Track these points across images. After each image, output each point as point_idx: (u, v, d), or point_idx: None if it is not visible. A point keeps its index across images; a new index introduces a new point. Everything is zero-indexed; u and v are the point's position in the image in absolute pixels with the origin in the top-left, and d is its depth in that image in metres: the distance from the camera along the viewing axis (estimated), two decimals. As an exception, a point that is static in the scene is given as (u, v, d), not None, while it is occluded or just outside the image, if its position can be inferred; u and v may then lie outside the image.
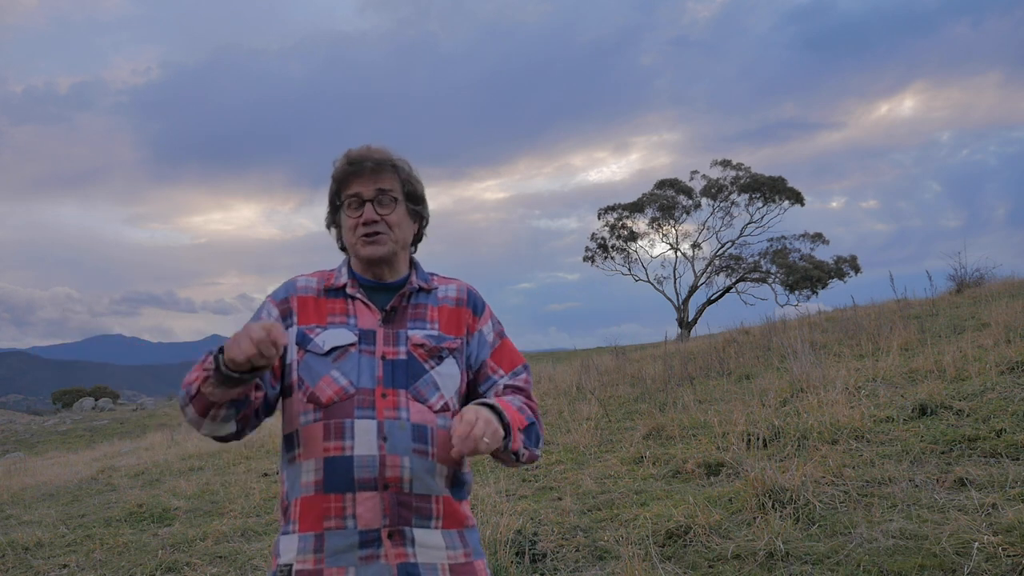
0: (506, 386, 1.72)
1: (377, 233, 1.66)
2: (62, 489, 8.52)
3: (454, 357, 1.67)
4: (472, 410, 1.50)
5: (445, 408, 1.63)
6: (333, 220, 1.77)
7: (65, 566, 4.90)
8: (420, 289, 1.73)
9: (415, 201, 1.75)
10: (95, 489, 8.23)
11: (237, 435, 1.62)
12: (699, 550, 3.61)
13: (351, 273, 1.74)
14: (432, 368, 1.64)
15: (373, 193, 1.67)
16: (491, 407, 1.54)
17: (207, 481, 7.49)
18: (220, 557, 4.71)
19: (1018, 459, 4.03)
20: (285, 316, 1.68)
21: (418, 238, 1.79)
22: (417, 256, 1.82)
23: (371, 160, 1.67)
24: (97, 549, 5.19)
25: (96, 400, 34.08)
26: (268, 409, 1.65)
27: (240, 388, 1.47)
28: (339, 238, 1.79)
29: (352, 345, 1.62)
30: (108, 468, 10.04)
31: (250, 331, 1.38)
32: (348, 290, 1.69)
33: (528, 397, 1.74)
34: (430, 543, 1.56)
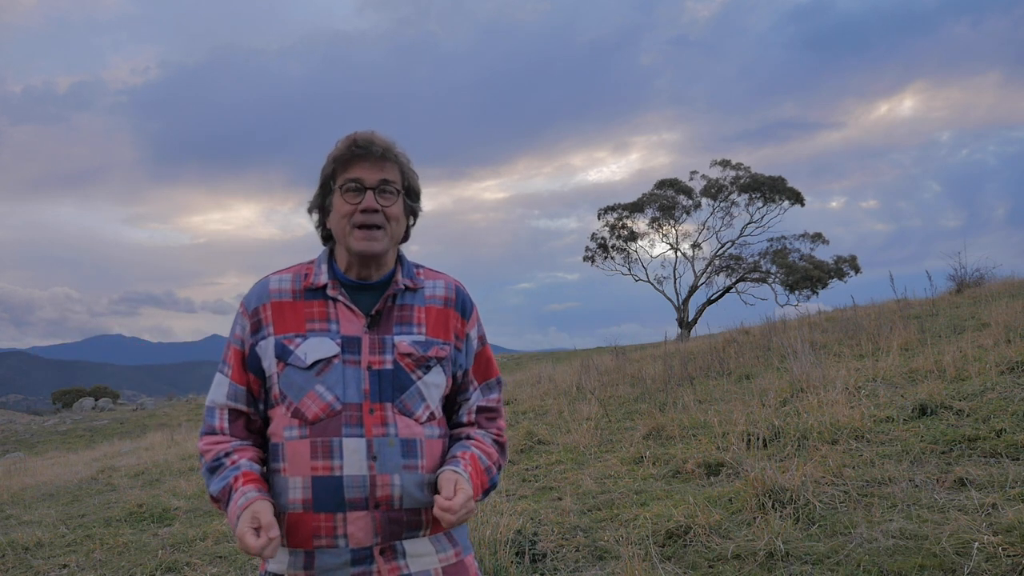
0: (479, 408, 1.71)
1: (375, 227, 1.57)
2: (62, 489, 8.52)
3: (441, 366, 1.62)
4: (463, 494, 1.48)
5: (431, 418, 1.60)
6: (321, 203, 1.66)
7: (65, 566, 4.90)
8: (406, 288, 1.64)
9: (414, 197, 1.68)
10: (95, 489, 8.24)
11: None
12: (699, 550, 3.61)
13: (332, 271, 1.64)
14: (419, 378, 1.58)
15: (376, 181, 1.58)
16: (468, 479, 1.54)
17: (207, 481, 7.49)
18: (220, 557, 4.71)
19: (1018, 459, 4.03)
20: (256, 329, 1.61)
21: (406, 236, 1.70)
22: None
23: (378, 146, 1.59)
24: (97, 549, 5.19)
25: (96, 400, 34.07)
26: (265, 424, 1.65)
27: None
28: (321, 223, 1.68)
29: (335, 356, 1.55)
30: (108, 468, 10.04)
31: (246, 542, 1.39)
32: (329, 292, 1.60)
33: (498, 419, 1.73)
34: (420, 552, 1.55)
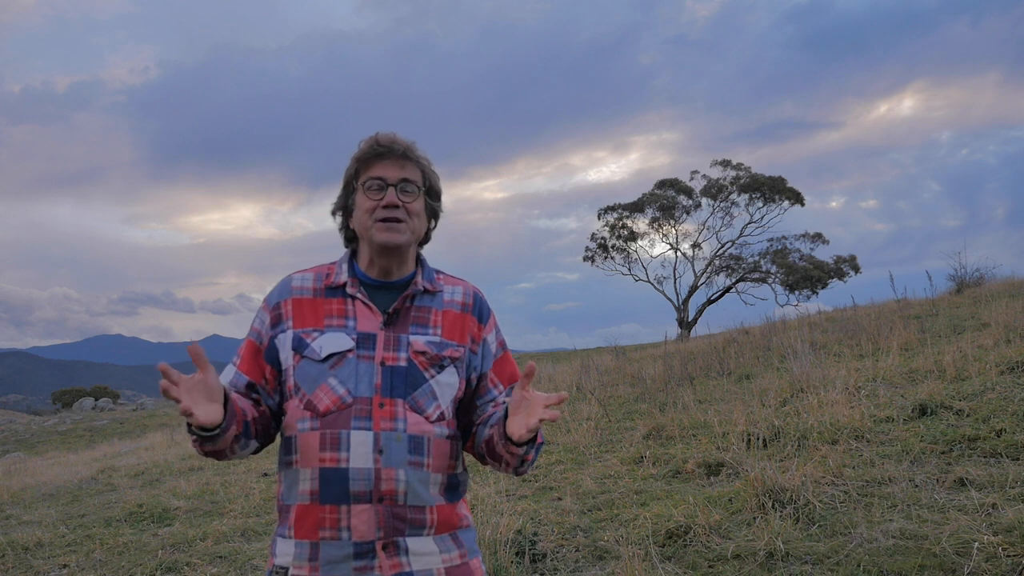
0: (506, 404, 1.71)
1: (397, 220, 1.61)
2: (62, 489, 8.52)
3: (455, 366, 1.63)
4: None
5: (441, 418, 1.61)
6: (344, 204, 1.70)
7: (65, 566, 4.90)
8: (425, 291, 1.67)
9: (434, 197, 1.70)
10: (95, 489, 8.23)
11: (263, 445, 1.66)
12: (699, 550, 3.62)
13: (352, 270, 1.68)
14: (432, 377, 1.60)
15: (398, 179, 1.62)
16: None
17: (207, 481, 7.49)
18: (220, 557, 4.71)
19: (1018, 459, 4.04)
20: (276, 323, 1.64)
21: (427, 237, 1.73)
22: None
23: (399, 146, 1.63)
24: (97, 549, 5.19)
25: (96, 400, 34.07)
26: (277, 418, 1.66)
27: (231, 430, 1.50)
28: (344, 226, 1.71)
29: (350, 351, 1.58)
30: (108, 468, 10.04)
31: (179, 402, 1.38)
32: (348, 290, 1.64)
33: None
34: (424, 550, 1.55)
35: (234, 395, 1.54)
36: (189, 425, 1.46)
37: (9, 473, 11.78)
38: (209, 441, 1.48)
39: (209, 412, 1.42)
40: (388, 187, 1.62)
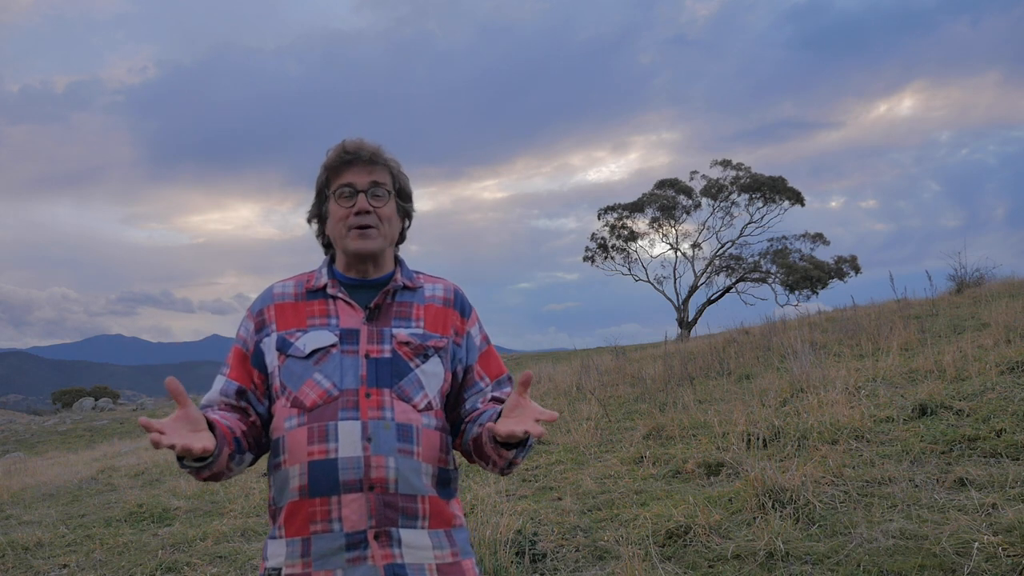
0: (494, 397, 1.72)
1: (368, 227, 1.64)
2: (62, 489, 8.52)
3: (439, 356, 1.66)
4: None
5: (429, 407, 1.62)
6: (318, 212, 1.74)
7: (65, 566, 4.90)
8: (405, 287, 1.71)
9: (405, 198, 1.75)
10: (95, 489, 8.23)
11: (258, 456, 1.67)
12: (699, 550, 3.62)
13: (332, 273, 1.71)
14: (417, 366, 1.62)
15: (367, 184, 1.66)
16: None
17: (207, 481, 7.49)
18: (220, 557, 4.71)
19: (1018, 459, 4.04)
20: (260, 328, 1.67)
21: (402, 237, 1.78)
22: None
23: (366, 151, 1.67)
24: (97, 549, 5.19)
25: (96, 400, 34.06)
26: (268, 427, 1.67)
27: (224, 452, 1.51)
28: (321, 233, 1.76)
29: (333, 346, 1.60)
30: (108, 468, 10.04)
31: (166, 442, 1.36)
32: (329, 290, 1.67)
33: None
34: (417, 543, 1.55)
35: (215, 417, 1.54)
36: (181, 459, 1.45)
37: (9, 473, 11.77)
38: (206, 468, 1.49)
39: (202, 439, 1.42)
40: (358, 193, 1.65)
